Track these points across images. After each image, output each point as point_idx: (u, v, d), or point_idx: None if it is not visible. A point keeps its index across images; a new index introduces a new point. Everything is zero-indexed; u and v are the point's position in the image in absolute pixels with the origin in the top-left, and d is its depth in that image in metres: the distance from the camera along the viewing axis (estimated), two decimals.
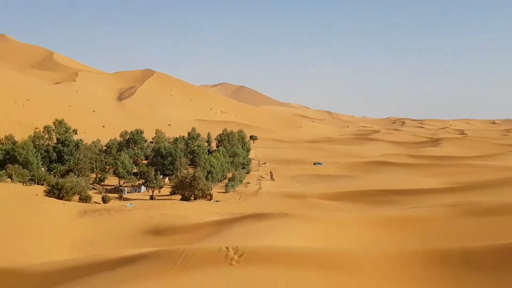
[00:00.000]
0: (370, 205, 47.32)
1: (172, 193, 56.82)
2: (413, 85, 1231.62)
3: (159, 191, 58.16)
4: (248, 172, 75.82)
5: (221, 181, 64.64)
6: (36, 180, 55.40)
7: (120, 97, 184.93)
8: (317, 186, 61.88)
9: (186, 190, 54.40)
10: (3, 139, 69.98)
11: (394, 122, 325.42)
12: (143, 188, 59.64)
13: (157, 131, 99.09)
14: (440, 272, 16.15)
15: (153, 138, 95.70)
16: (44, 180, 54.94)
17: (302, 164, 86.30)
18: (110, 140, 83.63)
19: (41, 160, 62.69)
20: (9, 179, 52.58)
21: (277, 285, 15.24)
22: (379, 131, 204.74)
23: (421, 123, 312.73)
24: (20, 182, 53.17)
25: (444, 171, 73.75)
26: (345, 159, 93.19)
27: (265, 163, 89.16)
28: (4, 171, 54.31)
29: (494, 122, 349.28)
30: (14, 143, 65.29)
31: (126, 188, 59.26)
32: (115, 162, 64.77)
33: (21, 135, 75.02)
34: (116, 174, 63.85)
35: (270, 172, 75.52)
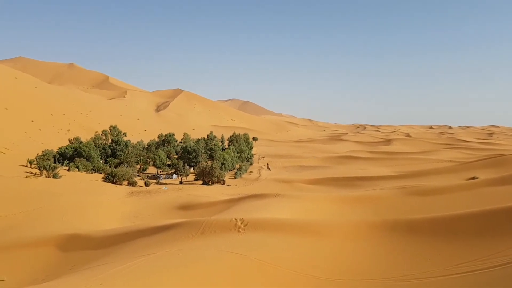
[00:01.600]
0: (339, 188, 47.28)
1: (196, 179, 56.75)
2: (370, 98, 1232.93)
3: (186, 178, 58.15)
4: (251, 164, 75.74)
5: (231, 170, 64.58)
6: (96, 169, 55.44)
7: (158, 109, 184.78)
8: (301, 174, 61.82)
9: (206, 177, 54.35)
10: (72, 139, 69.98)
11: (358, 127, 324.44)
12: (174, 175, 59.66)
13: (184, 134, 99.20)
14: (390, 235, 16.19)
15: (181, 139, 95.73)
16: (102, 169, 54.96)
17: (290, 158, 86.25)
18: (150, 140, 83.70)
19: (100, 155, 62.75)
20: (77, 169, 52.64)
21: (271, 244, 15.31)
22: (347, 133, 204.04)
23: (378, 128, 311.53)
24: (84, 171, 53.19)
25: (395, 163, 73.62)
26: (322, 154, 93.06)
27: (263, 157, 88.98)
28: (73, 163, 54.37)
29: (431, 127, 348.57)
30: (80, 142, 65.32)
31: (162, 176, 59.23)
32: (154, 157, 64.88)
33: (85, 137, 74.97)
34: (154, 165, 63.94)
35: (267, 164, 75.38)
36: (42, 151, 54.51)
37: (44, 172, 44.32)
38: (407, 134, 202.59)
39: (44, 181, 40.32)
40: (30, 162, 48.30)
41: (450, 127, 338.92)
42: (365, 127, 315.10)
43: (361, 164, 74.28)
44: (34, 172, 44.59)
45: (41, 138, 70.63)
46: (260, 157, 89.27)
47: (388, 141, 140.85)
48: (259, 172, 64.56)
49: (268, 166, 72.54)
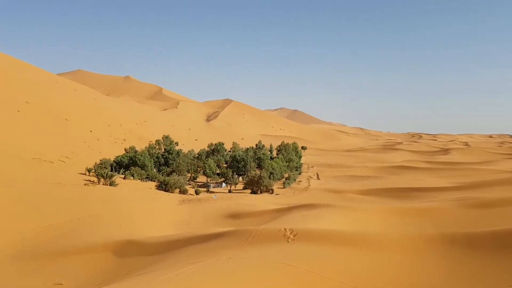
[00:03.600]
0: (393, 199, 45.68)
1: (244, 188, 57.16)
2: (428, 106, 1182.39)
3: (235, 187, 58.73)
4: (300, 173, 75.14)
5: (280, 179, 64.45)
6: (150, 178, 57.37)
7: (208, 119, 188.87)
8: (352, 184, 60.44)
9: (254, 186, 54.62)
10: (128, 149, 73.01)
11: (413, 136, 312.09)
12: (223, 184, 60.43)
13: (233, 143, 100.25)
14: (449, 250, 15.39)
15: (230, 148, 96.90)
16: (155, 178, 56.78)
17: (341, 168, 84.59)
18: (201, 149, 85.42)
19: (153, 164, 64.88)
20: (132, 177, 54.79)
21: (321, 256, 15.06)
22: (401, 142, 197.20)
23: (434, 136, 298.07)
24: (139, 179, 55.24)
25: (453, 173, 70.08)
26: (374, 164, 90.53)
27: (312, 166, 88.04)
28: (129, 171, 56.66)
29: (491, 136, 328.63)
30: (135, 151, 67.91)
31: (211, 184, 60.21)
32: (204, 165, 66.03)
33: (140, 146, 78.08)
34: (204, 174, 65.05)
35: (317, 173, 74.48)
36: (100, 160, 57.34)
37: (102, 180, 46.57)
38: (466, 143, 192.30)
39: (101, 189, 42.35)
40: (89, 171, 50.95)
41: (511, 136, 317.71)
42: (421, 136, 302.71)
43: (416, 174, 71.42)
44: (92, 180, 46.98)
45: (99, 148, 74.44)
46: (310, 166, 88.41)
47: (445, 151, 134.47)
48: (309, 182, 63.90)
49: (318, 176, 71.65)
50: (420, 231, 20.69)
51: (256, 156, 78.84)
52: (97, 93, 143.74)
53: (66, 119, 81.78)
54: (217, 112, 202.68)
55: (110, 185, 45.78)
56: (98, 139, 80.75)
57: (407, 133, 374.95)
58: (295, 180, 65.01)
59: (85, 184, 43.15)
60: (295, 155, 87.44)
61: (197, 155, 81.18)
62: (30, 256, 21.78)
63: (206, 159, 74.27)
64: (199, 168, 69.09)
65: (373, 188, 52.44)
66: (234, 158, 71.70)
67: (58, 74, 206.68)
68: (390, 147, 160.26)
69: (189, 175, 66.31)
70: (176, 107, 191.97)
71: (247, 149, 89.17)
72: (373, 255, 15.24)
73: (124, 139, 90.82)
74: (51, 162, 50.19)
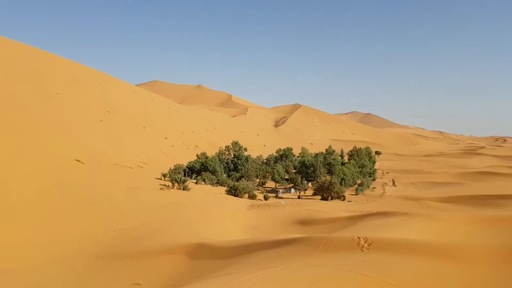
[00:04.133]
0: (476, 207, 42.28)
1: (314, 194, 56.42)
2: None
3: (304, 193, 58.19)
4: (374, 180, 72.49)
5: (352, 186, 62.70)
6: (220, 183, 58.81)
7: (276, 124, 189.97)
8: (431, 191, 57.02)
9: (325, 192, 53.67)
10: (200, 154, 75.53)
11: (497, 140, 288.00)
12: (292, 190, 60.18)
13: (302, 148, 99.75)
14: None
15: (299, 153, 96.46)
16: (225, 183, 58.08)
17: (419, 174, 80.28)
18: (269, 155, 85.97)
19: (223, 169, 66.46)
20: (203, 182, 56.53)
21: (398, 266, 14.26)
22: (484, 147, 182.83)
23: None
24: (210, 184, 56.87)
25: None
26: (455, 170, 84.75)
27: (388, 172, 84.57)
28: (200, 176, 58.55)
29: None
30: (206, 157, 70.08)
31: (280, 190, 60.25)
32: (273, 171, 66.31)
33: (210, 152, 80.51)
34: (273, 179, 65.34)
35: (392, 180, 71.37)
36: (174, 166, 59.95)
37: (176, 184, 48.61)
38: None
39: (175, 193, 44.18)
40: (164, 176, 53.45)
41: None
42: (505, 140, 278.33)
43: (501, 181, 65.65)
44: (167, 185, 49.21)
45: (173, 154, 77.96)
46: (384, 172, 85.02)
47: None
48: (383, 188, 61.44)
49: (393, 182, 68.65)
50: (506, 242, 18.89)
51: (326, 162, 77.55)
52: (171, 102, 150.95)
53: (143, 127, 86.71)
54: (285, 117, 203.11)
55: (183, 190, 47.62)
56: (172, 146, 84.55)
57: (490, 136, 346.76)
58: (368, 186, 62.87)
59: (160, 189, 45.30)
60: (369, 160, 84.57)
61: (265, 160, 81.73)
62: (111, 256, 23.20)
63: (275, 164, 74.50)
64: (267, 174, 69.46)
65: (454, 196, 49.02)
66: (303, 164, 71.16)
67: (137, 85, 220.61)
68: (472, 151, 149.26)
69: (258, 180, 66.90)
70: (245, 114, 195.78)
71: (317, 154, 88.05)
72: (453, 266, 14.14)
73: (196, 145, 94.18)
74: (130, 168, 53.39)
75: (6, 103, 53.78)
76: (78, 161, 45.67)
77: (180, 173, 55.45)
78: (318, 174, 66.84)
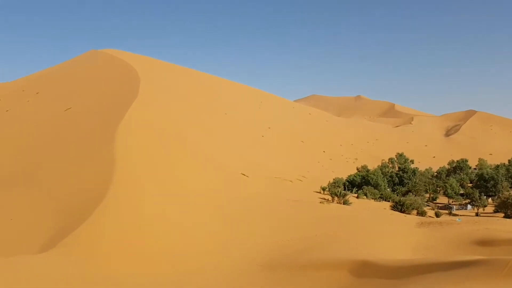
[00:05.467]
0: None
1: (495, 211, 49.77)
2: None
3: (483, 209, 51.86)
4: None
5: None
6: (384, 197, 56.64)
7: (447, 133, 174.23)
8: None
9: (509, 209, 46.85)
10: (360, 168, 74.25)
11: None
12: (469, 206, 54.36)
13: (479, 160, 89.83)
14: None
15: (476, 165, 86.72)
16: (390, 198, 55.68)
17: None
18: (440, 167, 79.64)
19: (387, 183, 64.00)
20: (365, 196, 55.24)
21: None
22: None
23: None
24: (372, 198, 55.23)
25: None
26: None
27: None
28: (361, 190, 57.41)
29: None
30: (368, 170, 68.54)
31: (454, 206, 54.96)
32: (444, 185, 61.47)
33: (372, 165, 78.31)
34: (445, 194, 60.35)
35: None
36: (333, 179, 60.14)
37: (336, 198, 48.62)
38: None
39: (336, 207, 44.17)
40: (323, 189, 54.03)
41: None
42: None
43: None
44: (326, 198, 49.59)
45: (331, 167, 78.35)
46: None
47: None
48: None
49: None
50: None
51: (510, 175, 68.08)
52: (329, 115, 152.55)
53: (302, 141, 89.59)
54: (457, 125, 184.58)
55: (343, 204, 47.30)
56: (330, 159, 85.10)
57: None
58: None
59: (320, 202, 45.89)
60: None
61: (435, 173, 76.11)
62: (275, 267, 24.35)
63: (447, 178, 69.02)
64: (438, 188, 64.49)
65: None
66: (481, 177, 63.76)
67: (295, 101, 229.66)
68: None
69: (427, 195, 62.41)
70: (410, 123, 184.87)
71: (498, 166, 77.74)
72: None
73: (356, 158, 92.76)
74: (290, 181, 55.60)
75: (190, 121, 61.72)
76: (244, 174, 49.61)
77: (339, 187, 55.32)
78: (499, 188, 59.65)
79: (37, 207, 30.48)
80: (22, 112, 66.63)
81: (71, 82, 75.78)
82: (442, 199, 61.31)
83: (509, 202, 46.90)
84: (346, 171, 74.31)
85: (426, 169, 77.12)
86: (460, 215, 48.13)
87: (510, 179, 65.76)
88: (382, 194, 57.33)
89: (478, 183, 63.43)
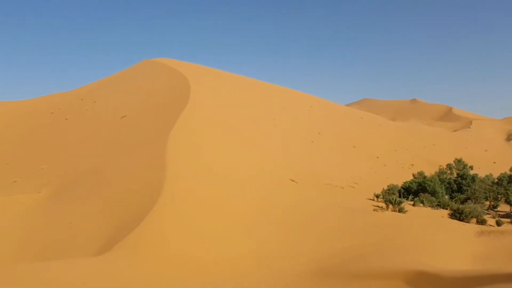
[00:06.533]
0: None
1: None
2: None
3: None
4: None
5: None
6: (442, 205, 54.47)
7: (509, 138, 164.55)
8: None
9: None
10: (416, 174, 71.95)
11: None
12: None
13: None
14: None
15: None
16: (448, 205, 53.49)
17: None
18: (501, 173, 75.38)
19: (444, 190, 61.59)
20: (421, 204, 53.41)
21: None
22: None
23: None
24: (429, 206, 53.24)
25: None
26: None
27: None
28: (418, 198, 55.59)
29: None
30: (424, 177, 66.30)
31: None
32: (506, 192, 58.17)
33: (429, 171, 75.50)
34: (507, 202, 57.02)
35: None
36: (388, 186, 58.60)
37: (390, 206, 47.34)
38: None
39: (390, 215, 43.01)
40: (377, 196, 52.80)
41: None
42: None
43: None
44: (380, 206, 48.41)
45: (385, 173, 76.36)
46: None
47: None
48: None
49: None
50: None
51: None
52: (382, 119, 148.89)
53: (353, 146, 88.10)
54: None
55: (398, 212, 45.94)
56: (384, 165, 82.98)
57: None
58: None
59: (374, 210, 44.87)
60: None
61: (496, 180, 72.21)
62: (325, 275, 24.14)
63: (509, 184, 65.48)
64: (499, 195, 61.20)
65: None
66: None
67: (346, 105, 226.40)
68: None
69: (488, 203, 59.33)
70: (469, 127, 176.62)
71: None
72: None
73: (412, 164, 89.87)
74: (342, 188, 54.85)
75: (239, 127, 62.80)
76: (293, 180, 49.61)
77: (394, 194, 53.80)
78: None
79: (94, 212, 32.24)
80: (81, 120, 70.69)
81: (126, 91, 79.42)
82: (504, 207, 58.00)
83: None
84: (401, 177, 72.09)
85: (486, 176, 73.23)
86: None
87: None
88: (439, 202, 55.07)
89: None
